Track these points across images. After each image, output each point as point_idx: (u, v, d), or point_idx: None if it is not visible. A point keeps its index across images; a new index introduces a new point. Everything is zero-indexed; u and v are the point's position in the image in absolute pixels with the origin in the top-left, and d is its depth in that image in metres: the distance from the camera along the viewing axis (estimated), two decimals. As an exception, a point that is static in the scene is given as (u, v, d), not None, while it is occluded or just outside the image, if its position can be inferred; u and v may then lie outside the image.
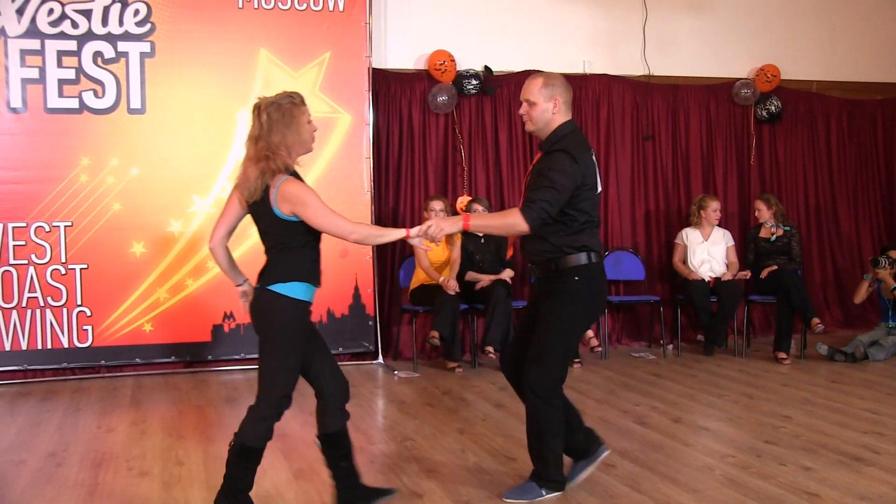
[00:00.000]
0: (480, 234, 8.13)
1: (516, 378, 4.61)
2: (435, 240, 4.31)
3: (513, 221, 4.32)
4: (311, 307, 4.17)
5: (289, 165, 4.07)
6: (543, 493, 4.47)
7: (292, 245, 4.13)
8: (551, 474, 4.50)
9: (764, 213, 8.62)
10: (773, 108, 9.53)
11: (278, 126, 4.07)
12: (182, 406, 6.70)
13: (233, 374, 7.87)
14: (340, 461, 4.35)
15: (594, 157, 4.48)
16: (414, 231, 4.25)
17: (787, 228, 8.59)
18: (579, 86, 9.02)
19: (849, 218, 10.01)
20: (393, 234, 4.25)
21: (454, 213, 8.42)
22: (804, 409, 6.26)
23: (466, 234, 8.11)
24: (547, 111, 4.39)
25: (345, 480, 4.34)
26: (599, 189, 4.48)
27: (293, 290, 4.08)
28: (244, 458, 4.10)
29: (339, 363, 8.12)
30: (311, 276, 4.16)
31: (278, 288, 4.07)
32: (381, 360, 8.27)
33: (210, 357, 7.93)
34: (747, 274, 8.47)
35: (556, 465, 4.51)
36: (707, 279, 8.49)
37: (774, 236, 8.56)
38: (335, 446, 4.35)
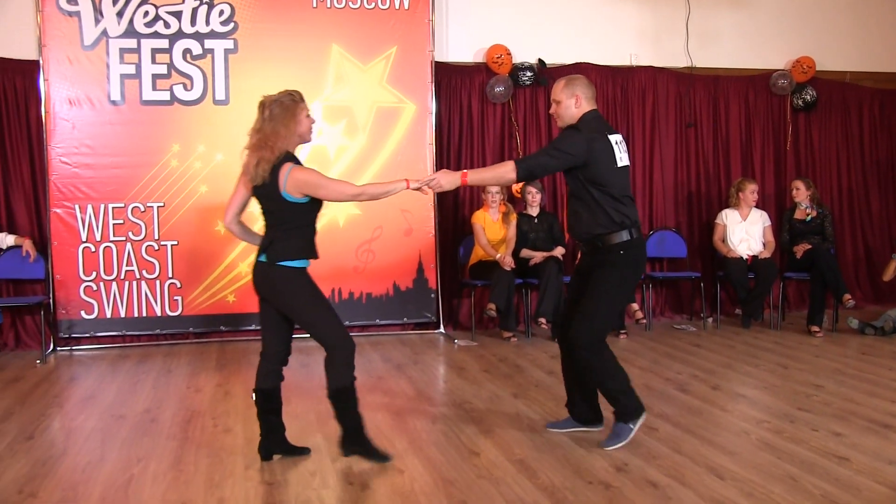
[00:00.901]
0: (534, 215, 8.11)
1: (565, 338, 4.79)
2: (433, 190, 4.58)
3: (504, 171, 4.60)
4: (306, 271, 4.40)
5: (285, 154, 4.27)
6: (631, 426, 4.63)
7: (298, 224, 4.33)
8: (628, 407, 4.63)
9: (802, 192, 8.46)
10: (808, 97, 9.34)
11: (277, 120, 4.27)
12: (262, 369, 6.78)
13: (307, 341, 7.85)
14: (270, 415, 4.53)
15: (619, 139, 4.64)
16: (414, 184, 4.46)
17: (820, 210, 8.44)
18: (626, 77, 8.94)
19: (879, 200, 9.78)
20: (395, 186, 4.45)
21: (510, 195, 8.41)
22: (835, 379, 6.15)
23: (521, 215, 8.10)
24: (570, 107, 4.64)
25: (271, 432, 4.53)
26: (622, 164, 4.58)
27: (298, 264, 4.32)
28: (343, 398, 4.39)
29: (403, 332, 8.26)
30: (313, 252, 4.39)
31: (288, 264, 4.29)
32: (442, 329, 8.29)
33: (287, 325, 8.01)
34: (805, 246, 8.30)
35: (628, 398, 4.65)
36: (745, 257, 8.38)
37: (809, 217, 8.42)
38: (270, 400, 4.53)
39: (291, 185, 4.20)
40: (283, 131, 4.27)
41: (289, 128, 4.29)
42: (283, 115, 4.28)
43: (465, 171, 4.62)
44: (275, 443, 4.54)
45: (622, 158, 4.58)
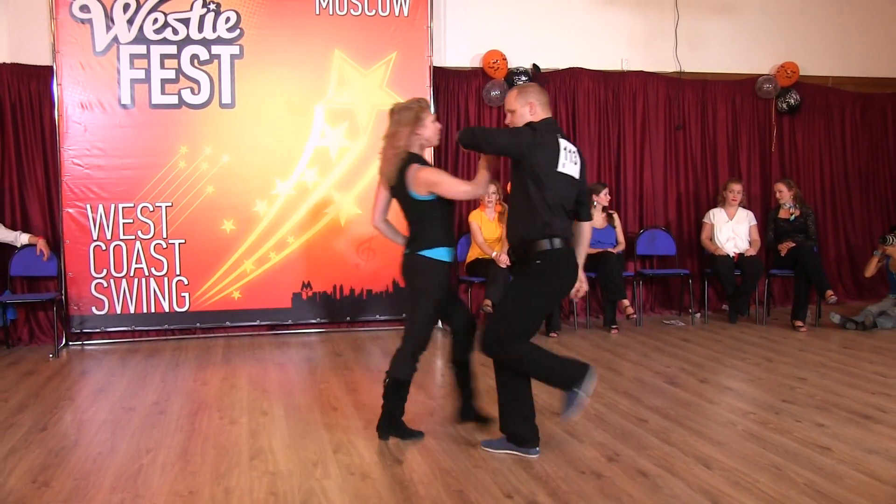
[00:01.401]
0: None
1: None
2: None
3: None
4: (450, 267, 4.60)
5: (412, 156, 4.52)
6: (576, 390, 4.28)
7: (432, 217, 4.55)
8: (564, 376, 4.35)
9: (785, 194, 8.47)
10: (792, 101, 9.34)
11: (401, 123, 4.55)
12: (266, 364, 6.77)
13: (310, 336, 7.94)
14: (466, 383, 4.86)
15: (572, 148, 4.37)
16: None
17: (803, 210, 8.44)
18: (618, 81, 8.94)
19: (861, 200, 9.80)
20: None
21: (506, 195, 8.38)
22: (818, 372, 6.16)
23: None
24: (525, 115, 4.41)
25: (468, 398, 4.88)
26: (564, 171, 4.30)
27: (437, 253, 4.52)
28: (397, 390, 4.64)
29: (403, 327, 8.23)
30: (449, 241, 4.59)
31: (425, 253, 4.51)
32: (440, 325, 8.26)
33: (290, 321, 8.01)
34: (790, 244, 8.32)
35: (565, 371, 4.35)
36: (732, 255, 8.38)
37: (793, 216, 8.42)
38: (462, 371, 4.84)
39: (416, 183, 4.45)
40: (405, 133, 4.53)
41: (412, 130, 4.54)
42: (408, 119, 4.53)
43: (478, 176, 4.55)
44: (467, 409, 4.87)
45: (565, 166, 4.31)
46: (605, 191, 8.29)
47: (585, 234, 4.61)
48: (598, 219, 8.32)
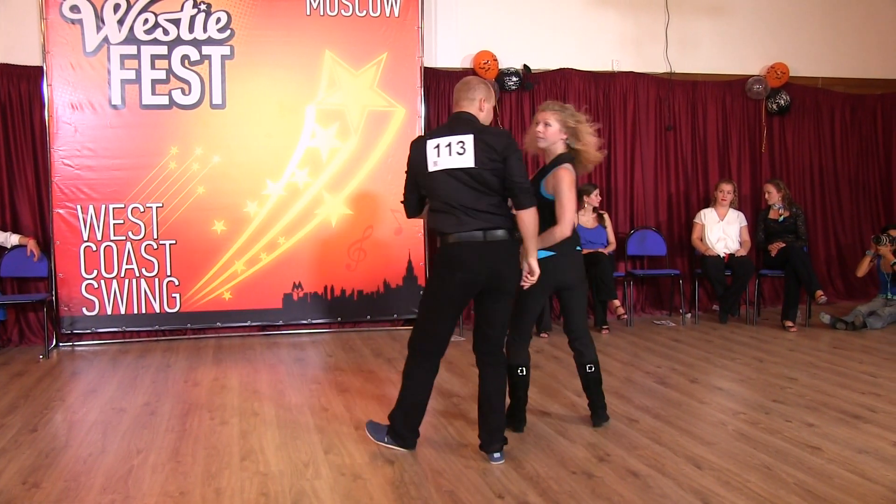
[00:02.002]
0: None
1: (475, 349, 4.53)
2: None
3: None
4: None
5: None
6: (386, 440, 4.46)
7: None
8: (395, 424, 4.43)
9: (773, 195, 8.51)
10: (782, 101, 9.37)
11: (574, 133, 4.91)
12: (257, 364, 6.76)
13: (300, 336, 7.93)
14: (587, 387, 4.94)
15: (453, 140, 4.13)
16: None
17: (793, 210, 8.47)
18: (608, 82, 8.95)
19: (850, 200, 9.83)
20: None
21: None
22: (808, 372, 6.18)
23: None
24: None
25: (591, 405, 4.97)
26: (435, 168, 4.14)
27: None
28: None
29: (393, 328, 8.25)
30: None
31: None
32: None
33: (281, 322, 8.00)
34: (780, 244, 8.36)
35: (402, 417, 4.40)
36: (722, 255, 8.40)
37: (782, 217, 8.45)
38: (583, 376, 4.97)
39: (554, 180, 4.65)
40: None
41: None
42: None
43: None
44: (594, 414, 4.94)
45: (438, 163, 4.13)
46: (596, 191, 8.32)
47: (525, 224, 4.21)
48: (589, 219, 8.34)
